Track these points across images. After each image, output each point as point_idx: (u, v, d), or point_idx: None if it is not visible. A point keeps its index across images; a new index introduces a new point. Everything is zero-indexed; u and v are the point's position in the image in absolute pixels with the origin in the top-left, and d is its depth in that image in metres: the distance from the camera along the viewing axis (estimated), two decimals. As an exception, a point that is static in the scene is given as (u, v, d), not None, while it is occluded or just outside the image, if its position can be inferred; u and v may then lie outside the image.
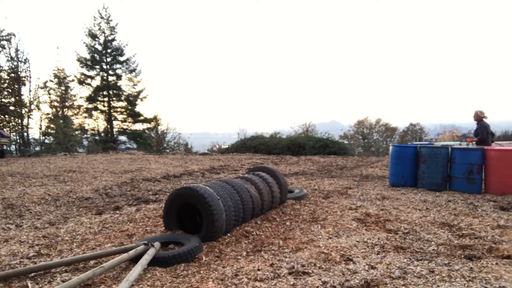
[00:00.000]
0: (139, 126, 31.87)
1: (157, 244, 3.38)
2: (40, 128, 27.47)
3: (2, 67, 24.59)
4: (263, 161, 14.82)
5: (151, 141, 27.89)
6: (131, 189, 7.75)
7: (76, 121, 30.05)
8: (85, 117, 30.70)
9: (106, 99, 30.71)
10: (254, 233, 4.22)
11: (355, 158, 17.28)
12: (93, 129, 30.82)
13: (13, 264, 3.35)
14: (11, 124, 25.41)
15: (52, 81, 29.22)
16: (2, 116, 24.21)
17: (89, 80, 30.43)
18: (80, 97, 30.49)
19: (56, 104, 29.60)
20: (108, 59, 30.58)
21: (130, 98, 31.19)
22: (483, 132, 8.31)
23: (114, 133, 31.23)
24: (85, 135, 29.69)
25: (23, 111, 25.65)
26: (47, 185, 7.77)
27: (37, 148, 24.95)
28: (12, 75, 24.83)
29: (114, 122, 31.44)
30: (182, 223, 4.13)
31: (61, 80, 29.58)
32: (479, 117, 8.40)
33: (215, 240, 3.85)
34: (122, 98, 31.25)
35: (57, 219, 5.21)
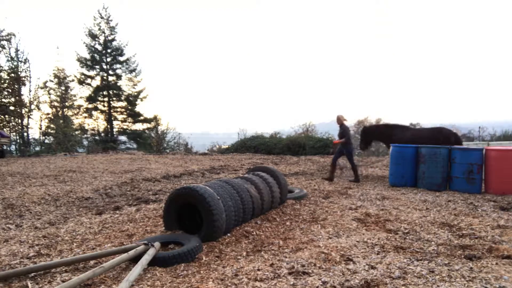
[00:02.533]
0: (139, 126, 31.89)
1: (157, 244, 3.38)
2: (40, 128, 27.52)
3: (2, 67, 24.61)
4: (263, 161, 14.82)
5: (151, 141, 27.89)
6: (131, 189, 7.75)
7: (76, 121, 30.12)
8: (85, 117, 30.74)
9: (106, 99, 30.71)
10: (254, 233, 4.22)
11: (355, 158, 17.27)
12: (93, 129, 30.85)
13: (13, 264, 3.35)
14: (11, 124, 25.41)
15: (52, 81, 29.30)
16: (2, 116, 24.21)
17: (89, 80, 30.44)
18: (80, 97, 30.54)
19: (56, 104, 29.63)
20: (108, 59, 30.58)
21: (130, 98, 31.19)
22: (348, 133, 8.95)
23: (114, 133, 31.22)
24: (85, 135, 29.70)
25: (23, 111, 25.65)
26: (47, 185, 7.77)
27: (37, 148, 24.97)
28: (12, 75, 24.82)
29: (114, 122, 31.44)
30: (182, 223, 4.13)
31: (61, 80, 29.60)
32: (341, 121, 9.03)
33: (215, 240, 3.85)
34: (122, 98, 31.25)
35: (57, 219, 5.21)
